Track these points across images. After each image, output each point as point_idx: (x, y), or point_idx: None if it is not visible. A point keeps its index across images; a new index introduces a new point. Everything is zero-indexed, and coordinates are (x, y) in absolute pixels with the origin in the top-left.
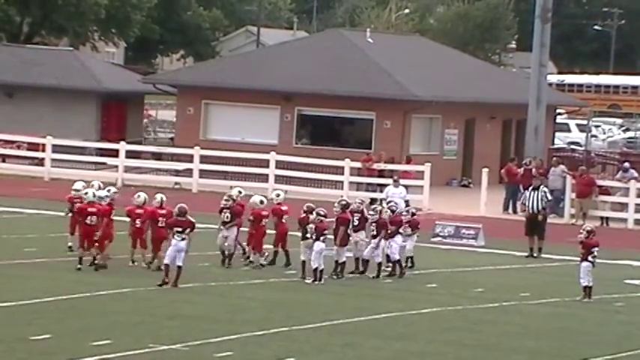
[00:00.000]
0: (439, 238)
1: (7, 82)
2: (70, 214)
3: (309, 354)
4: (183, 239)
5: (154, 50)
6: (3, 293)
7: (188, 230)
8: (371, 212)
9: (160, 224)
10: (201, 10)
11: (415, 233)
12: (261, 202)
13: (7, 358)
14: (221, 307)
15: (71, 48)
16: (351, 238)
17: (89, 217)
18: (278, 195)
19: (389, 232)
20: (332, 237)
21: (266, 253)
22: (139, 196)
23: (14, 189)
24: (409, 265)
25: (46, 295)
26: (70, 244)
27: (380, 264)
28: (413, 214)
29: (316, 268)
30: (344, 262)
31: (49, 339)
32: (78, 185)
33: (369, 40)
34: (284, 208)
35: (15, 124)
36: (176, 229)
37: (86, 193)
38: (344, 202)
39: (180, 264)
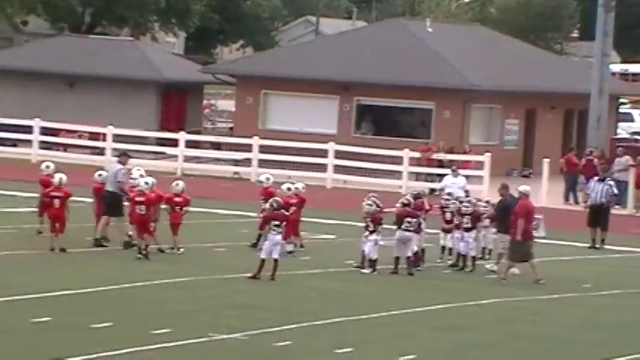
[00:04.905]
0: None
1: (68, 72)
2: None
3: (367, 344)
4: (279, 233)
5: (214, 40)
6: (65, 281)
7: (284, 224)
8: (466, 205)
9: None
10: (261, 0)
11: (493, 225)
12: (288, 189)
13: (67, 346)
14: (279, 296)
15: (131, 38)
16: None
17: (138, 206)
18: (268, 179)
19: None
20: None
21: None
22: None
23: (76, 178)
24: (487, 257)
25: (106, 283)
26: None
27: (474, 257)
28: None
29: (374, 259)
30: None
31: (110, 327)
32: (45, 165)
33: (429, 29)
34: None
35: (76, 114)
36: (273, 222)
37: (139, 184)
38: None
39: (276, 257)
